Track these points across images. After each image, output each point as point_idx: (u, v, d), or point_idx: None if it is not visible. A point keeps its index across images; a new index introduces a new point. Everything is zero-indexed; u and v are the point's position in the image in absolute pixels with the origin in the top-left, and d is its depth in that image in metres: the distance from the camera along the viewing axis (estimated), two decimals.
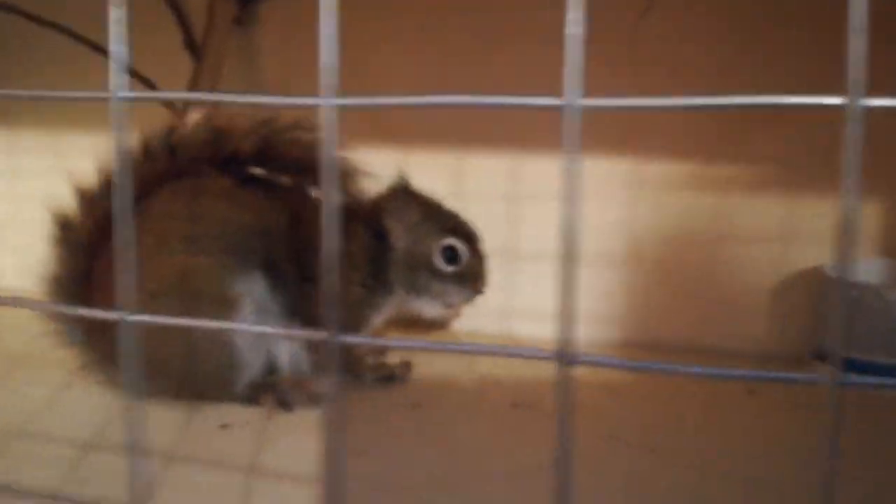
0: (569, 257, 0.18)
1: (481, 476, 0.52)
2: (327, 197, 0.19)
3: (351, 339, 0.20)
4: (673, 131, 0.86)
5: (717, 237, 0.87)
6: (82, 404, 0.62)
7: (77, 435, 0.55)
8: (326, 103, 0.19)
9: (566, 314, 0.18)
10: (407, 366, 0.74)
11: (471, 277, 0.72)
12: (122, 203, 0.20)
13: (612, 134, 0.87)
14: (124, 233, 0.21)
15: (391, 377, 0.72)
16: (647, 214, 0.88)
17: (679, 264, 0.88)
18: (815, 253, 0.84)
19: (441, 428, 0.61)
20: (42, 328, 0.66)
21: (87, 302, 0.63)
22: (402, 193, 0.70)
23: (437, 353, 0.81)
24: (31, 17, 0.85)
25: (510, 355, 0.19)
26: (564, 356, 0.18)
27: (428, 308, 0.73)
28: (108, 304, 0.60)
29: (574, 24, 0.17)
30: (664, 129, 0.85)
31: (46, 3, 0.86)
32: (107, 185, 0.63)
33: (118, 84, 0.19)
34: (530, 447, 0.58)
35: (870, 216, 0.83)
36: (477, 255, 0.72)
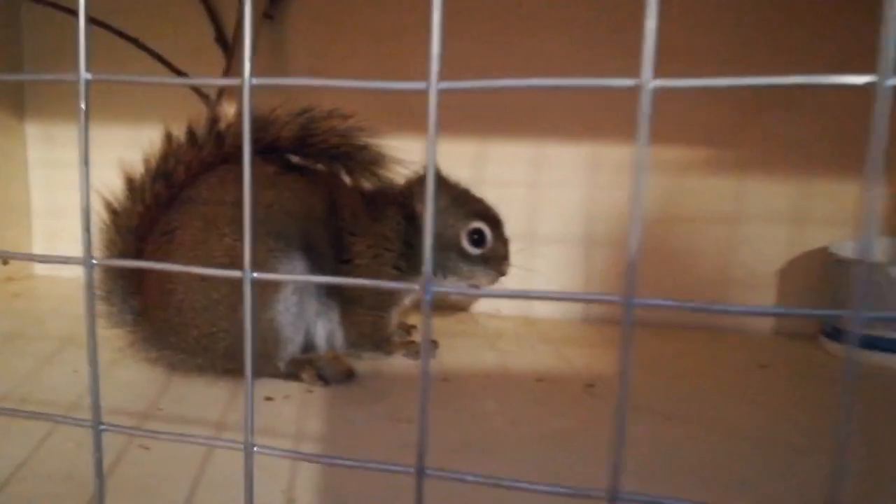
0: (634, 218, 0.22)
1: (511, 441, 0.56)
2: (429, 178, 0.23)
3: (442, 288, 0.24)
4: (689, 116, 0.89)
5: (730, 218, 0.90)
6: (133, 380, 0.66)
7: (135, 408, 0.59)
8: (431, 87, 0.22)
9: (631, 270, 0.22)
10: (433, 344, 0.78)
11: (495, 259, 0.75)
12: (247, 185, 0.24)
13: (628, 119, 0.91)
14: (249, 207, 0.24)
15: (419, 353, 0.76)
16: (663, 197, 0.92)
17: (693, 245, 0.91)
18: (824, 233, 0.88)
19: (471, 399, 0.64)
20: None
21: (138, 282, 0.67)
22: None
23: (461, 334, 0.86)
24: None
25: (580, 300, 0.23)
26: (628, 300, 0.22)
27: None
28: (158, 284, 0.64)
29: (650, 16, 0.20)
30: (680, 113, 0.88)
31: None
32: (152, 173, 0.67)
33: (248, 71, 0.23)
34: (556, 416, 0.61)
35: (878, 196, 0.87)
36: (501, 239, 0.76)
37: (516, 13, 0.91)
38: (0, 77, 0.36)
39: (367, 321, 0.72)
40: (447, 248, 0.73)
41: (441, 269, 0.74)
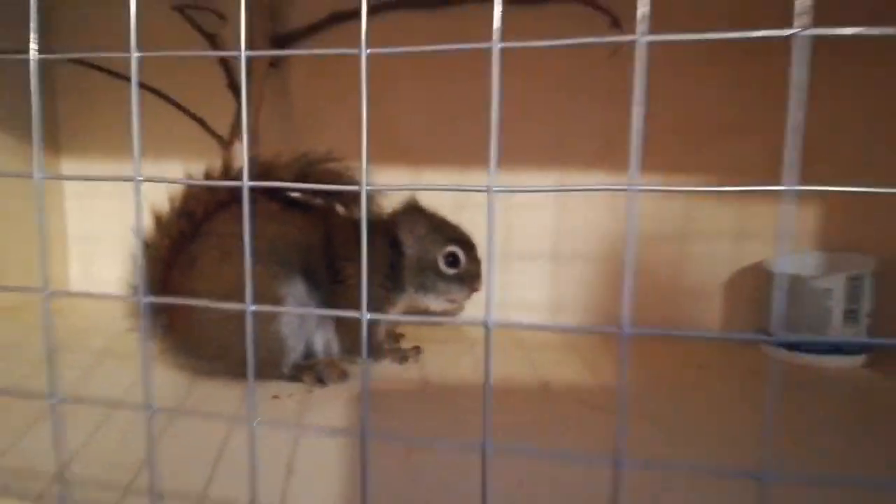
0: (490, 258, 0.34)
1: (476, 430, 0.68)
2: (361, 245, 0.35)
3: (374, 316, 0.36)
4: (644, 148, 1.01)
5: (681, 236, 1.02)
6: (163, 383, 0.79)
7: (167, 404, 0.72)
8: (364, 188, 0.35)
9: (490, 295, 0.34)
10: (417, 349, 0.90)
11: (468, 278, 0.88)
12: (248, 252, 0.36)
13: (594, 153, 1.03)
14: (249, 257, 0.37)
15: (405, 359, 0.88)
16: (621, 217, 1.04)
17: (650, 259, 1.03)
18: (761, 249, 1.00)
19: (447, 395, 0.77)
20: (126, 325, 0.83)
21: (165, 304, 0.80)
22: (412, 210, 0.86)
23: (444, 341, 0.98)
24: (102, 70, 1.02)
25: (447, 323, 0.35)
26: (487, 321, 0.34)
27: (434, 303, 0.89)
28: (183, 305, 0.77)
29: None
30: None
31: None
32: (177, 212, 0.80)
33: (246, 175, 0.36)
34: (513, 411, 0.74)
35: (807, 215, 0.98)
36: (473, 260, 0.88)
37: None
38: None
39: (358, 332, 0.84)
40: (427, 269, 0.85)
41: (422, 287, 0.87)
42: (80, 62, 1.05)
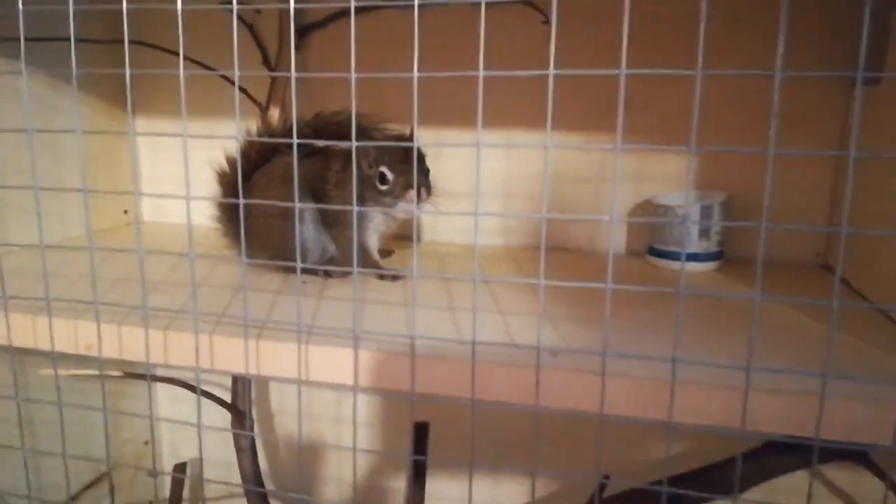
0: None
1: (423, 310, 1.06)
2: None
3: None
4: (570, 110, 1.37)
5: (595, 178, 1.39)
6: (228, 271, 1.18)
7: (230, 283, 1.11)
8: (353, 146, 0.71)
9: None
10: (390, 252, 1.28)
11: (395, 193, 1.10)
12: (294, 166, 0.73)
13: (531, 113, 1.39)
14: (295, 177, 0.74)
15: (388, 277, 1.24)
16: (552, 164, 1.40)
17: (572, 196, 1.40)
18: (654, 188, 1.36)
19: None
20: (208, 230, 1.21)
21: (236, 214, 1.19)
22: (366, 138, 1.16)
23: (419, 253, 1.35)
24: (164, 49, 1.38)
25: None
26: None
27: (387, 213, 1.15)
28: (245, 217, 1.15)
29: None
30: (565, 109, 1.36)
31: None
32: (239, 153, 1.17)
33: (295, 135, 0.72)
34: (457, 297, 1.11)
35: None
36: (400, 179, 1.08)
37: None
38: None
39: (347, 238, 1.18)
40: (369, 186, 1.11)
41: (370, 200, 1.11)
42: (142, 43, 1.41)
